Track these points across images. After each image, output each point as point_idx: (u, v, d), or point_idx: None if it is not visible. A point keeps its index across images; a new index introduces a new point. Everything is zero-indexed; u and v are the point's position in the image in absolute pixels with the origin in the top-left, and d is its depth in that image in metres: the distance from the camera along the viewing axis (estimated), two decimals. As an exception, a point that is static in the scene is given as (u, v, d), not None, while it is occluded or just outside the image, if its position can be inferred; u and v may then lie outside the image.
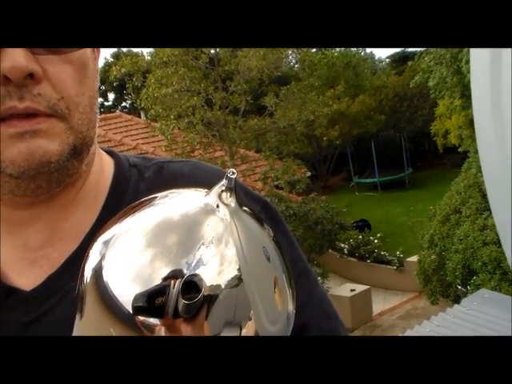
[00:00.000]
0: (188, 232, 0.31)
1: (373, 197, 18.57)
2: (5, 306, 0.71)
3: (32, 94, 0.63)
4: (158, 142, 11.47)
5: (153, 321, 0.31)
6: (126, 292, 0.30)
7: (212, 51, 10.56)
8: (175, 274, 0.30)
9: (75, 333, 0.37)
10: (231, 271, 0.33)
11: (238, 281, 0.33)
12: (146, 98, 9.94)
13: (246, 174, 10.27)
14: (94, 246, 0.33)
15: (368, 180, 19.89)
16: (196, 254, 0.32)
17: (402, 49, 26.08)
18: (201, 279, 0.31)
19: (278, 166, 9.96)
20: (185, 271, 0.31)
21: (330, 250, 10.65)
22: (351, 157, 20.86)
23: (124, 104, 28.83)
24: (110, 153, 0.86)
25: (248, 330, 0.37)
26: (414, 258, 9.74)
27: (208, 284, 0.32)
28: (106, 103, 27.81)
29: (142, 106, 10.50)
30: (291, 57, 15.36)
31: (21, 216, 0.74)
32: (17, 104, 0.62)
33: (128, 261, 0.30)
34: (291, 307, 0.43)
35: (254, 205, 0.82)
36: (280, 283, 0.39)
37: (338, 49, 23.22)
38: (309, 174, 11.70)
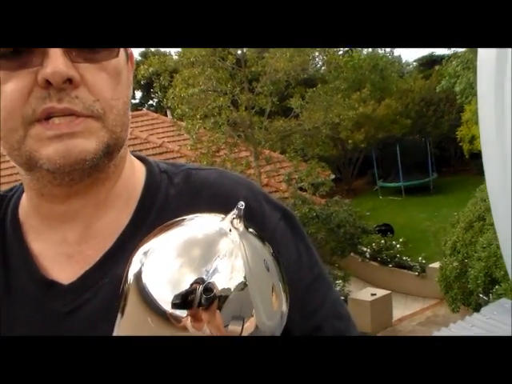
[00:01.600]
0: (207, 248, 0.41)
1: (396, 201, 18.46)
2: (45, 298, 0.78)
3: (70, 96, 0.69)
4: (183, 141, 11.50)
5: (179, 313, 0.39)
6: (160, 291, 0.38)
7: (239, 52, 10.58)
8: (198, 280, 0.40)
9: (119, 323, 0.43)
10: (239, 278, 0.43)
11: (244, 285, 0.43)
12: (173, 98, 10.01)
13: (270, 174, 10.30)
14: (135, 255, 0.41)
15: (392, 184, 19.75)
16: (213, 265, 0.41)
17: (430, 52, 25.85)
18: (214, 285, 0.41)
19: (303, 168, 9.97)
20: (205, 277, 0.41)
21: (351, 254, 10.62)
22: (376, 160, 20.71)
23: (151, 102, 29.00)
24: (141, 159, 0.92)
25: (250, 324, 0.46)
26: (436, 265, 9.66)
27: (221, 287, 0.42)
28: (132, 101, 27.87)
29: (169, 105, 10.57)
30: (318, 59, 15.34)
31: (58, 210, 0.80)
32: (56, 105, 0.68)
33: (162, 268, 0.39)
34: (285, 308, 0.52)
35: (274, 212, 0.86)
36: (276, 288, 0.49)
37: (364, 51, 23.09)
38: (333, 176, 11.65)
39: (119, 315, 0.41)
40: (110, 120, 0.74)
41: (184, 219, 0.40)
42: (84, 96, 0.70)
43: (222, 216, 0.39)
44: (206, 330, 0.40)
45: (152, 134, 12.48)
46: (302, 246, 0.86)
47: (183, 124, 10.29)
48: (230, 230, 0.40)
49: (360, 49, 23.66)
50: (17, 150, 0.72)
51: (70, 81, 0.68)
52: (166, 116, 15.01)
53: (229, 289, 0.42)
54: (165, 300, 0.37)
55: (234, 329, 0.44)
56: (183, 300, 0.36)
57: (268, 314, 0.48)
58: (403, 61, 27.58)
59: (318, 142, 11.16)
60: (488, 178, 2.28)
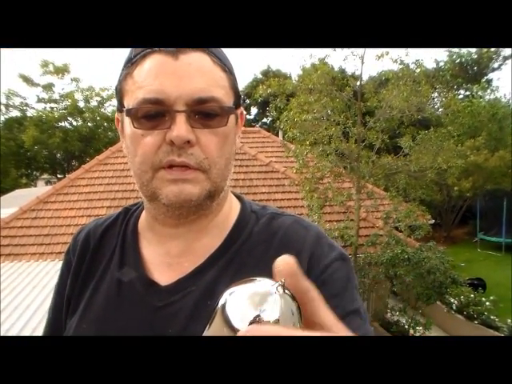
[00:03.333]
0: (262, 298, 0.59)
1: (495, 257, 17.58)
2: (146, 293, 0.98)
3: (187, 153, 0.89)
4: (290, 163, 11.63)
5: (243, 330, 0.56)
6: (235, 317, 0.57)
7: (357, 83, 10.59)
8: (255, 314, 0.58)
9: (207, 330, 0.62)
10: (275, 316, 0.60)
11: (277, 321, 0.60)
12: (286, 120, 10.08)
13: (369, 209, 10.21)
14: (225, 293, 0.60)
15: (493, 238, 18.81)
16: (264, 307, 0.59)
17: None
18: (263, 317, 0.59)
19: (402, 209, 9.77)
20: (259, 313, 0.59)
21: (437, 302, 10.31)
22: (480, 211, 19.84)
23: (264, 120, 29.51)
24: (238, 198, 1.12)
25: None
26: (525, 330, 9.24)
27: (266, 319, 0.59)
28: (248, 116, 28.45)
29: (281, 126, 10.56)
30: (437, 99, 14.92)
31: (168, 232, 1.02)
32: (176, 158, 0.89)
33: (238, 304, 0.58)
34: None
35: (332, 253, 0.99)
36: (295, 324, 0.64)
37: (487, 98, 22.27)
38: (432, 221, 11.31)
39: (208, 326, 0.60)
40: (213, 173, 0.93)
41: (255, 279, 0.60)
42: (197, 154, 0.90)
43: (274, 282, 0.58)
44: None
45: (261, 152, 12.63)
46: (349, 284, 0.97)
47: (292, 147, 10.35)
48: (275, 292, 0.58)
49: (481, 95, 22.93)
50: (145, 186, 0.94)
51: (188, 142, 0.88)
52: (277, 136, 15.14)
53: (269, 321, 0.59)
54: (238, 322, 0.56)
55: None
56: (248, 323, 0.55)
57: None
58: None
59: (422, 185, 10.90)
60: None
